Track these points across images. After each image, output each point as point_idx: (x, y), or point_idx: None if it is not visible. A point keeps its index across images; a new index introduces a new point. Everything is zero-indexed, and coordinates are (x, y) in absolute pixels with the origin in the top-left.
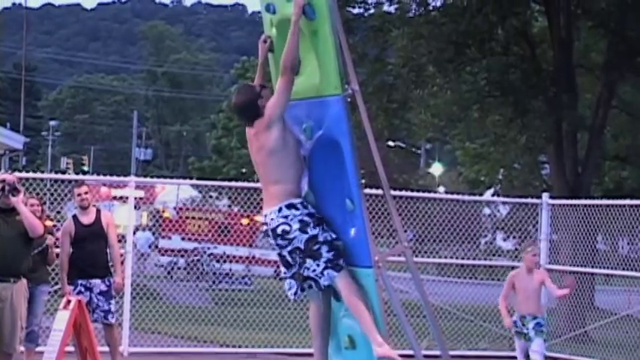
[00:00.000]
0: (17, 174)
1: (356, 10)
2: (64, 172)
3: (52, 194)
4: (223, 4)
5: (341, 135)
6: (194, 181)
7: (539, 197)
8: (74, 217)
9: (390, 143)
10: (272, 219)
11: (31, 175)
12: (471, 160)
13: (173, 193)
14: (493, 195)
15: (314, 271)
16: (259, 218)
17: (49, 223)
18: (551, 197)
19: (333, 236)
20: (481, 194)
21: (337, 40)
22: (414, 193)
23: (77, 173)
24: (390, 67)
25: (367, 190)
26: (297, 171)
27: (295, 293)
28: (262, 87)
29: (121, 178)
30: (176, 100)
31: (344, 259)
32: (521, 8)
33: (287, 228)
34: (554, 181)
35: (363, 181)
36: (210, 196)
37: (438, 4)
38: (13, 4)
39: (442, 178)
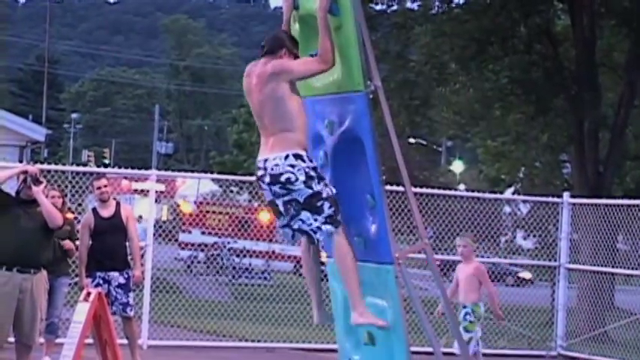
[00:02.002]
0: (39, 166)
1: (379, 7)
2: (85, 165)
3: (73, 187)
4: None
5: (363, 131)
6: (215, 175)
7: (560, 196)
8: (94, 209)
9: (412, 140)
10: (276, 164)
11: (52, 167)
12: (492, 158)
13: (194, 187)
14: (514, 193)
15: (310, 225)
16: None
17: (70, 215)
18: (572, 196)
19: (334, 191)
20: (502, 192)
21: (360, 37)
22: (435, 190)
23: (98, 166)
24: (412, 64)
25: (388, 187)
26: (304, 123)
27: (293, 237)
28: (294, 39)
29: (142, 172)
30: (198, 94)
31: (370, 253)
32: (544, 6)
33: (292, 177)
34: (575, 180)
35: (384, 177)
36: (231, 191)
37: (461, 1)
38: None
39: (463, 176)
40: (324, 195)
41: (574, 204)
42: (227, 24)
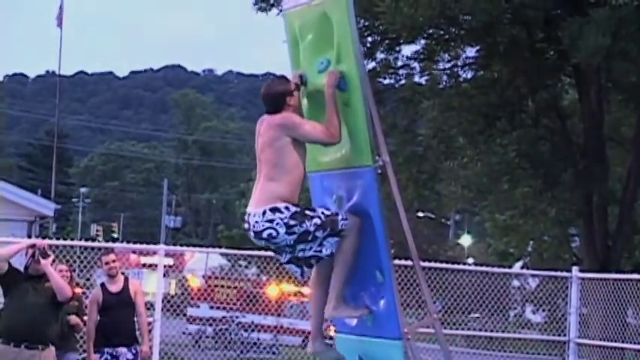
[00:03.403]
0: (47, 241)
1: (387, 81)
2: (93, 240)
3: (81, 261)
4: (255, 74)
5: (371, 206)
6: (223, 250)
7: (569, 270)
8: (102, 285)
9: (420, 214)
10: (256, 222)
11: (61, 242)
12: (500, 232)
13: (202, 261)
14: (522, 267)
15: (310, 249)
16: (287, 286)
17: (78, 290)
18: (581, 270)
19: (326, 213)
20: (510, 266)
21: (368, 112)
22: (443, 265)
23: (107, 240)
24: (420, 138)
25: (397, 261)
26: (295, 179)
27: (302, 274)
28: (297, 86)
29: (151, 246)
30: (206, 168)
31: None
32: (551, 81)
33: (273, 233)
34: (584, 255)
35: (393, 251)
36: (240, 265)
37: (469, 76)
38: (47, 71)
39: (471, 250)
40: (312, 229)
41: (583, 278)
42: (235, 98)
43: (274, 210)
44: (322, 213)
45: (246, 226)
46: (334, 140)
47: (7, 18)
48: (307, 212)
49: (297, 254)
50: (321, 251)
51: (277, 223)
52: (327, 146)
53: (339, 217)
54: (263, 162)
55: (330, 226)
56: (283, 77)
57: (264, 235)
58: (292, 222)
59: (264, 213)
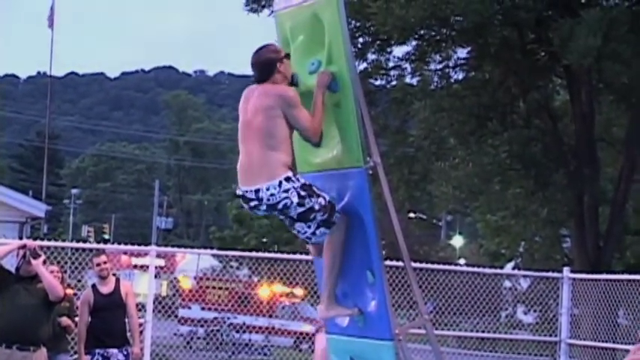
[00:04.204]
0: (39, 242)
1: (378, 82)
2: (85, 241)
3: (72, 263)
4: (246, 74)
5: (362, 207)
6: (215, 251)
7: (560, 271)
8: (93, 286)
9: (411, 215)
10: (272, 194)
11: (52, 243)
12: (491, 233)
13: (193, 262)
14: (514, 268)
15: (304, 232)
16: (278, 288)
17: (69, 291)
18: (572, 271)
19: (327, 198)
20: (502, 267)
21: (359, 113)
22: (435, 265)
23: (98, 242)
24: (411, 139)
25: (388, 262)
26: (290, 148)
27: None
28: (287, 55)
29: (142, 247)
30: (198, 169)
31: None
32: (542, 82)
33: (288, 202)
34: (575, 255)
35: (384, 252)
36: (231, 266)
37: (460, 77)
38: (38, 72)
39: (463, 251)
40: (317, 208)
41: (574, 279)
42: (227, 99)
43: (288, 179)
44: (325, 196)
45: (252, 203)
46: (314, 137)
47: None
48: (314, 188)
49: (292, 229)
50: (310, 238)
51: (292, 192)
52: (309, 142)
53: (336, 209)
54: (254, 129)
55: (329, 213)
56: (272, 44)
57: (280, 206)
58: (303, 192)
59: (280, 184)
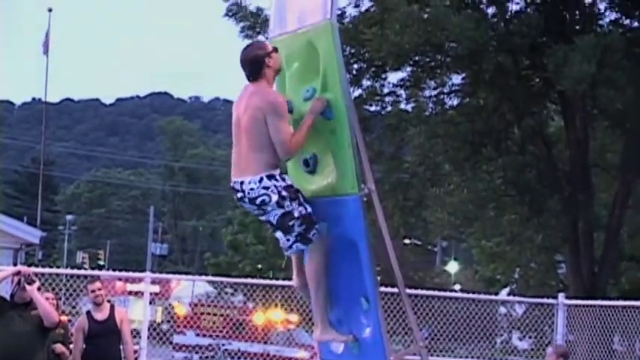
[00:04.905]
0: (33, 268)
1: (373, 108)
2: (79, 267)
3: (67, 289)
4: None
5: (357, 234)
6: (210, 278)
7: (555, 297)
8: (88, 313)
9: (406, 241)
10: (252, 188)
11: (46, 270)
12: (486, 259)
13: (188, 288)
14: (509, 294)
15: (283, 243)
16: (273, 314)
17: (64, 318)
18: (567, 297)
19: (308, 210)
20: (497, 293)
21: (354, 140)
22: (430, 292)
23: (93, 268)
24: (406, 165)
25: (383, 289)
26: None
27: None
28: (274, 49)
29: (137, 274)
30: (193, 195)
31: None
32: (537, 108)
33: (266, 199)
34: (570, 281)
35: (379, 278)
36: (226, 292)
37: (455, 103)
38: (33, 98)
39: (458, 276)
40: (296, 214)
41: (569, 305)
42: (222, 125)
43: (270, 177)
44: (307, 207)
45: (239, 195)
46: (287, 154)
47: None
48: (299, 194)
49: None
50: (287, 251)
51: (272, 190)
52: (282, 158)
53: (316, 225)
54: (242, 128)
55: (307, 225)
56: (258, 41)
57: (258, 201)
58: (284, 193)
59: (260, 180)
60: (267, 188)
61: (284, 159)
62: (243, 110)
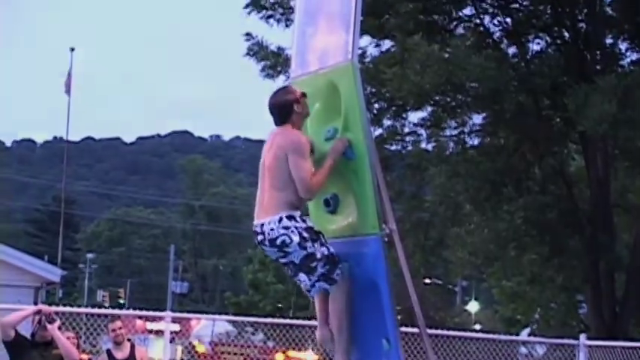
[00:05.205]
0: (54, 307)
1: (393, 147)
2: (100, 306)
3: (87, 328)
4: (262, 139)
5: (378, 274)
6: (230, 317)
7: (576, 338)
8: (108, 351)
9: (427, 280)
10: (272, 229)
11: (67, 309)
12: (507, 299)
13: (209, 327)
14: (529, 334)
15: (305, 284)
16: (293, 353)
17: (84, 356)
18: (589, 338)
19: (331, 250)
20: (517, 333)
21: (375, 180)
22: (451, 332)
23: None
24: (427, 205)
25: (403, 329)
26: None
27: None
28: (303, 94)
29: (157, 313)
30: (213, 233)
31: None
32: (558, 148)
33: (287, 240)
34: (591, 322)
35: (399, 318)
36: (246, 331)
37: (476, 142)
38: (55, 137)
39: (478, 316)
40: (318, 256)
41: (590, 346)
42: (243, 164)
43: (290, 217)
44: (328, 247)
45: (259, 237)
46: (307, 192)
47: (15, 84)
48: (320, 235)
49: (296, 280)
50: (310, 291)
51: (292, 231)
52: (302, 196)
53: (339, 265)
54: (267, 168)
55: (330, 266)
56: (288, 86)
57: (278, 241)
58: (306, 234)
59: (280, 220)
60: (287, 228)
61: (305, 198)
62: (267, 150)
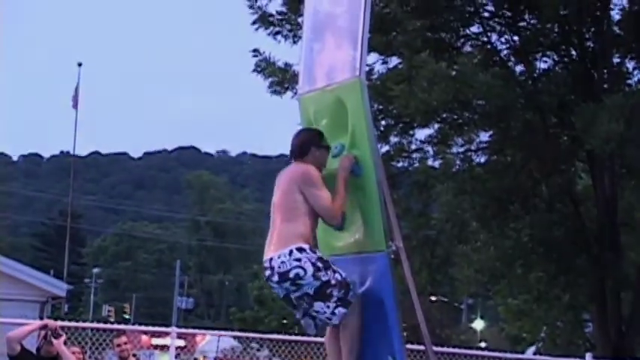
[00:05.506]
0: (59, 322)
1: (400, 164)
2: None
3: (93, 343)
4: (268, 155)
5: (384, 291)
6: (235, 332)
7: (583, 357)
8: None
9: (433, 298)
10: (282, 262)
11: (72, 324)
12: (513, 317)
13: (214, 343)
14: (535, 353)
15: (324, 313)
16: None
17: None
18: (595, 357)
19: (343, 275)
20: (523, 351)
21: (382, 197)
22: (456, 350)
23: (119, 321)
24: (433, 222)
25: (409, 346)
26: (310, 221)
27: (316, 326)
28: (327, 147)
29: (163, 328)
30: (219, 249)
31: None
32: (565, 166)
33: (301, 272)
34: (597, 340)
35: (405, 335)
36: (252, 347)
37: (482, 160)
38: (61, 151)
39: (484, 334)
40: (333, 282)
41: None
42: (249, 180)
43: (301, 249)
44: (341, 273)
45: (267, 272)
46: (332, 219)
47: (22, 99)
48: (330, 263)
49: (311, 312)
50: (331, 319)
51: (305, 262)
52: (329, 225)
53: (351, 287)
54: (277, 204)
55: (345, 290)
56: (316, 129)
57: (291, 274)
58: (319, 264)
59: (290, 252)
60: (299, 260)
61: (334, 224)
62: (278, 187)
